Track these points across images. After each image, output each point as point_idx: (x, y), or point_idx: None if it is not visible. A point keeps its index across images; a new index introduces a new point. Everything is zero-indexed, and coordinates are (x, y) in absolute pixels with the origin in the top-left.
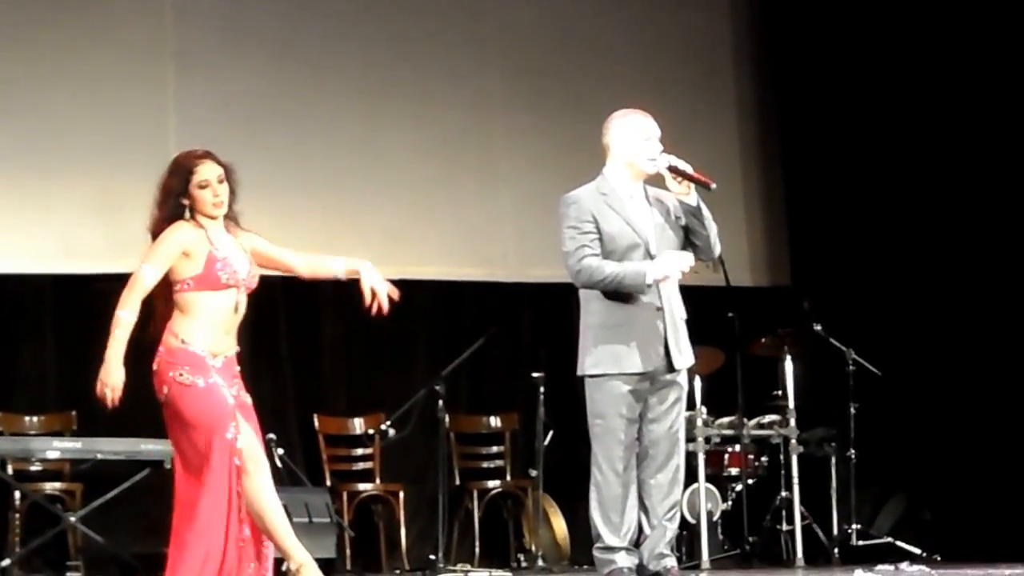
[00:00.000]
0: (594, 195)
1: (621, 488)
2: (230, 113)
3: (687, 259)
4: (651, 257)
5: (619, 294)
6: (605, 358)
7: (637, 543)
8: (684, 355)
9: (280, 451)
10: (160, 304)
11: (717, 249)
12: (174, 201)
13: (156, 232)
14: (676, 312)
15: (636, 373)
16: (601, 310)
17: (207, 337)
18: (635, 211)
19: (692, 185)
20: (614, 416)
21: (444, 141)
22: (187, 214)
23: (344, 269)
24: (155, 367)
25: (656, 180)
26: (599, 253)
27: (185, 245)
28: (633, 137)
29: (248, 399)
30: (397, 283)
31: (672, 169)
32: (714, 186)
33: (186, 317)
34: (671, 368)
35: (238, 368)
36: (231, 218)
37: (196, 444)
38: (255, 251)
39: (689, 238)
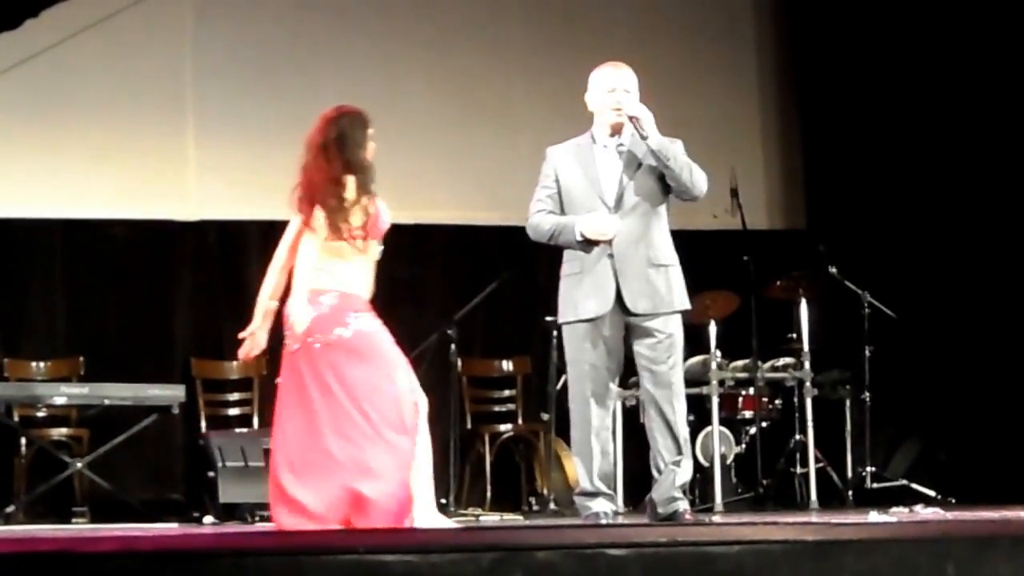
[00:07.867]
0: (568, 148)
1: (591, 434)
2: (247, 60)
3: (612, 225)
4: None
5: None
6: (566, 306)
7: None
8: (653, 299)
9: None
10: None
11: (696, 190)
12: None
13: None
14: (641, 255)
15: (591, 319)
16: (566, 260)
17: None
18: (603, 165)
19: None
20: (581, 363)
21: (462, 86)
22: None
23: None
24: None
25: None
26: (548, 209)
27: None
28: (597, 89)
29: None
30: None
31: (631, 118)
32: (646, 134)
33: None
34: (626, 311)
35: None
36: None
37: None
38: None
39: (666, 182)
